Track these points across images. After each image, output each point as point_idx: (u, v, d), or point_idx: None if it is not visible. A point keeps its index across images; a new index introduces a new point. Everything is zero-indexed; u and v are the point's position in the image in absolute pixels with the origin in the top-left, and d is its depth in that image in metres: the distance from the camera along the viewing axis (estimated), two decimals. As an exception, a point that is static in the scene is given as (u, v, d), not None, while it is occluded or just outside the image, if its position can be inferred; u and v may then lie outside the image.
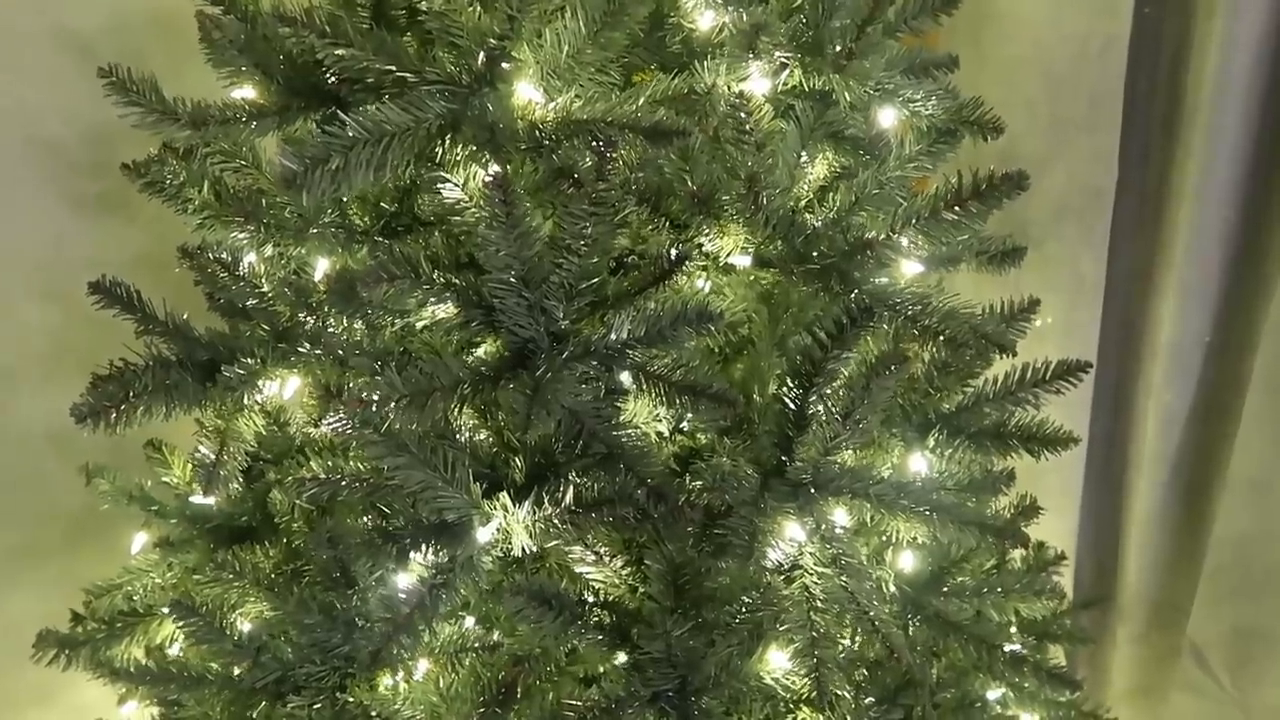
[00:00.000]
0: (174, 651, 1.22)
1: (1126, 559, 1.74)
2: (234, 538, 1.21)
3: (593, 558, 0.94)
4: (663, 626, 0.91)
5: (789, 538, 0.92)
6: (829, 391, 0.94)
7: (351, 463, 1.03)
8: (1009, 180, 0.95)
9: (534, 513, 0.93)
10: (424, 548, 0.96)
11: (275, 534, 1.17)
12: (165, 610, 1.18)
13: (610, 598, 0.95)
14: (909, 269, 1.03)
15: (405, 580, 0.98)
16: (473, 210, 0.97)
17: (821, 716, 0.93)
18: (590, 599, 0.95)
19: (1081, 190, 1.60)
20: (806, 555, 0.91)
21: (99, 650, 1.23)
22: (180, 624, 1.03)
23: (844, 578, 0.89)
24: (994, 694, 1.21)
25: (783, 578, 0.92)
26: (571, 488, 0.93)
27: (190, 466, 1.27)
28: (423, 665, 1.02)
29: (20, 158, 1.50)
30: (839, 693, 0.89)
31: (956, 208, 0.93)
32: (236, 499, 1.19)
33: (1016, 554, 1.27)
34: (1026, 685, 1.18)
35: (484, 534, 0.94)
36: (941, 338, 0.92)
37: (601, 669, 0.95)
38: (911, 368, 1.05)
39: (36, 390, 1.54)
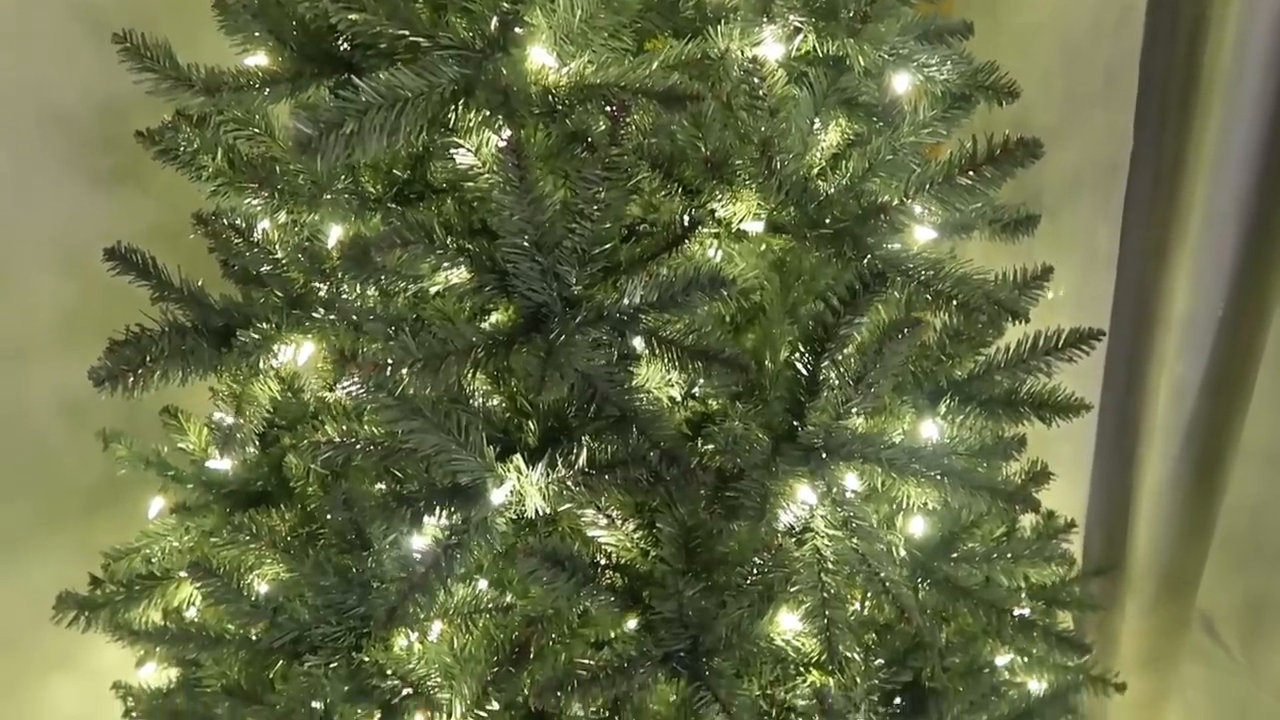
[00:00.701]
0: (191, 614, 1.24)
1: (1136, 529, 1.74)
2: (250, 502, 1.22)
3: (605, 521, 0.95)
4: (674, 588, 0.92)
5: (800, 501, 0.92)
6: (841, 357, 0.94)
7: (366, 427, 1.04)
8: (1024, 146, 0.95)
9: (547, 475, 0.94)
10: (438, 510, 0.97)
11: (290, 498, 1.18)
12: (183, 573, 1.20)
13: (622, 561, 0.96)
14: (922, 236, 1.03)
15: (419, 542, 0.99)
16: (486, 176, 0.97)
17: (830, 679, 0.94)
18: (602, 562, 0.96)
19: (1096, 163, 1.60)
20: (818, 518, 0.92)
21: (118, 612, 1.24)
22: (198, 585, 1.05)
23: (855, 540, 0.90)
24: (1002, 660, 1.22)
25: (794, 540, 0.92)
26: (584, 450, 0.93)
27: (206, 433, 1.28)
28: (436, 626, 1.04)
29: (33, 132, 1.50)
30: (849, 654, 0.90)
31: (971, 173, 0.93)
32: (252, 464, 1.21)
33: (1026, 521, 1.27)
34: (1035, 650, 1.19)
35: (497, 496, 0.95)
36: (955, 303, 0.92)
37: (613, 632, 0.96)
38: (924, 333, 1.05)
39: (52, 362, 1.55)
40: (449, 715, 0.96)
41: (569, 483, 0.93)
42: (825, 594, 0.89)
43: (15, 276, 1.52)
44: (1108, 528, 1.81)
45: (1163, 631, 1.78)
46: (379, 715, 1.00)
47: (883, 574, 0.89)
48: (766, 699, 0.94)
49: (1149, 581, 1.76)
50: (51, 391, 1.55)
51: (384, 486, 1.02)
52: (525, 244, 0.95)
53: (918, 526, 1.12)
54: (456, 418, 0.97)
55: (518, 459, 0.94)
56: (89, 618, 1.26)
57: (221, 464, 1.22)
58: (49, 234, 1.54)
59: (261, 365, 1.12)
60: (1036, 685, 1.27)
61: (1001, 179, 0.97)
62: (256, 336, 1.12)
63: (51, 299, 1.55)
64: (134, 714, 1.33)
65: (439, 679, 0.98)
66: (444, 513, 0.97)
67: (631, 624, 0.94)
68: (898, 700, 0.98)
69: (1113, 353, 1.68)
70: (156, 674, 1.38)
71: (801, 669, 0.94)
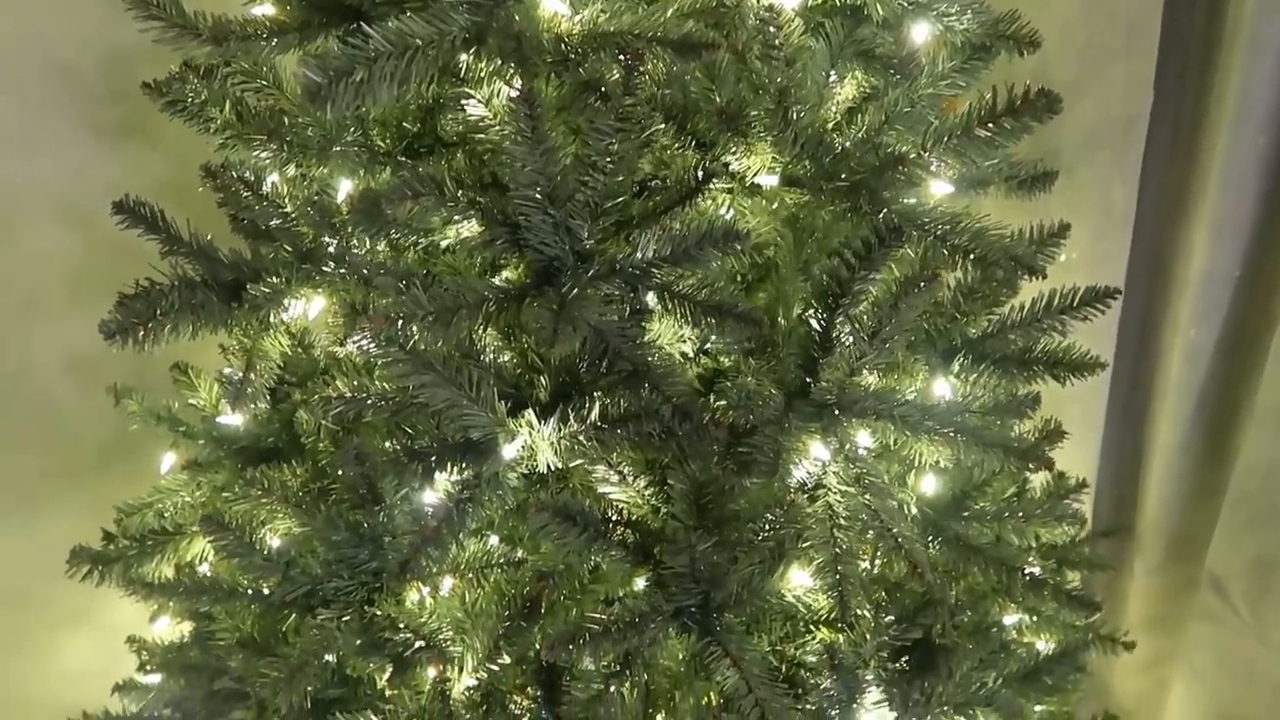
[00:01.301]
0: (204, 569, 1.25)
1: (1147, 490, 1.74)
2: (261, 458, 1.22)
3: (616, 477, 0.95)
4: (685, 544, 0.92)
5: (813, 457, 0.92)
6: (855, 313, 0.93)
7: (377, 382, 1.03)
8: (1044, 98, 0.93)
9: (559, 430, 0.93)
10: (449, 465, 0.97)
11: (301, 454, 1.18)
12: (195, 527, 1.21)
13: (633, 517, 0.96)
14: (938, 190, 1.01)
15: (431, 497, 1.00)
16: (497, 128, 0.96)
17: (840, 636, 0.94)
18: (614, 518, 0.95)
19: (1114, 118, 1.57)
20: (830, 475, 0.91)
21: (131, 567, 1.25)
22: (211, 540, 1.05)
23: (867, 497, 0.89)
24: (1011, 618, 1.23)
25: (806, 496, 0.92)
26: (596, 406, 0.93)
27: (217, 388, 1.28)
28: (448, 581, 1.04)
29: (38, 86, 1.49)
30: (860, 611, 0.90)
31: (990, 125, 0.91)
32: (263, 420, 1.21)
33: (1037, 481, 1.27)
34: (1045, 609, 1.19)
35: (509, 451, 0.95)
36: (971, 258, 0.91)
37: (624, 588, 0.96)
38: (940, 288, 1.04)
39: (60, 318, 1.55)
40: (460, 668, 0.97)
41: (580, 438, 0.93)
42: (837, 550, 0.89)
43: (22, 232, 1.52)
44: (1118, 488, 1.81)
45: (1171, 591, 1.78)
46: (391, 668, 1.00)
47: (895, 530, 0.89)
48: (776, 655, 0.94)
49: (1158, 542, 1.76)
50: (60, 347, 1.55)
51: (395, 442, 1.02)
52: (537, 197, 0.94)
53: (929, 484, 1.12)
54: (468, 373, 0.97)
55: (529, 414, 0.94)
56: (102, 572, 1.27)
57: (232, 420, 1.22)
58: (55, 189, 1.53)
59: (272, 320, 1.12)
60: (1044, 645, 1.28)
61: (1021, 132, 0.95)
62: (267, 291, 1.11)
63: (59, 254, 1.55)
64: (148, 668, 1.35)
65: (450, 633, 0.98)
66: (455, 468, 0.97)
67: (642, 580, 0.94)
68: (906, 657, 0.99)
69: (1127, 312, 1.67)
70: (170, 628, 1.39)
71: (812, 625, 0.95)
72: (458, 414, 0.95)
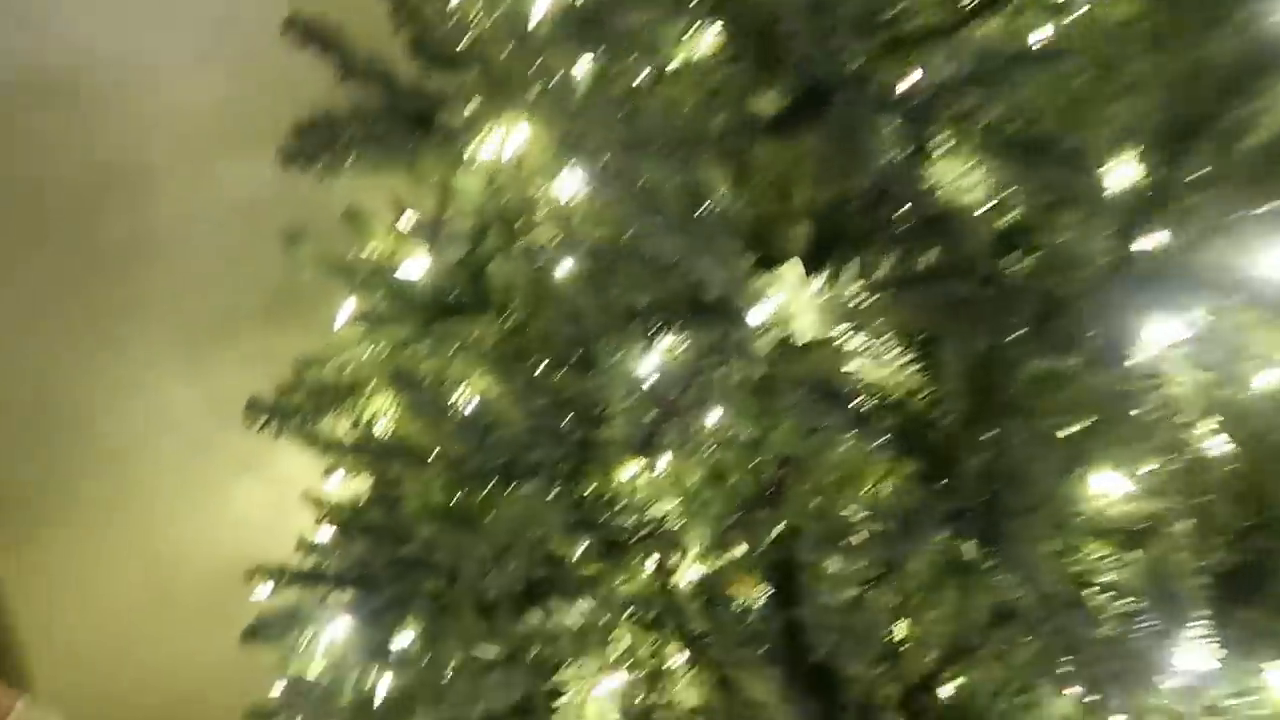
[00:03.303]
0: (381, 428, 1.16)
1: None
2: (443, 313, 1.11)
3: (884, 351, 0.79)
4: (966, 436, 0.76)
5: (1144, 338, 0.74)
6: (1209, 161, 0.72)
7: (591, 228, 0.89)
8: None
9: (820, 291, 0.77)
10: (679, 329, 0.83)
11: (489, 310, 1.06)
12: (377, 383, 1.12)
13: (900, 399, 0.81)
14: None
15: (654, 363, 0.86)
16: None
17: (1145, 554, 0.78)
18: (877, 399, 0.80)
19: None
20: (1165, 360, 0.73)
21: (307, 422, 1.18)
22: (402, 397, 0.95)
23: (1216, 388, 0.71)
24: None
25: (1133, 384, 0.75)
26: (866, 264, 0.76)
27: (394, 237, 1.17)
28: (666, 459, 0.91)
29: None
30: (1186, 525, 0.74)
31: None
32: (449, 271, 1.08)
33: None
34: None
35: (754, 315, 0.79)
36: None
37: (883, 483, 0.81)
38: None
39: (226, 159, 1.46)
40: (685, 556, 0.85)
41: (846, 302, 0.77)
42: (1171, 452, 0.72)
43: (183, 71, 1.42)
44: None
45: None
46: (602, 551, 0.90)
47: (1250, 423, 0.71)
48: (1069, 566, 0.79)
49: None
50: (232, 189, 1.46)
51: (613, 296, 0.88)
52: (799, 1, 0.76)
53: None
54: (704, 218, 0.81)
55: (783, 270, 0.78)
56: (278, 425, 1.20)
57: (413, 271, 1.11)
58: (212, 23, 1.42)
59: (464, 155, 0.98)
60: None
61: None
62: (457, 122, 0.98)
63: (224, 94, 1.45)
64: (325, 521, 1.30)
65: (671, 517, 0.86)
66: (686, 331, 0.82)
67: (909, 469, 0.79)
68: (1230, 580, 0.82)
69: None
70: (344, 484, 1.33)
71: (1114, 539, 0.79)
72: (690, 267, 0.80)
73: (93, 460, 1.48)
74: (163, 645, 1.60)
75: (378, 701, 1.02)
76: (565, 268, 0.91)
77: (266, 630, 1.15)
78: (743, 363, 0.77)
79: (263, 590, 1.25)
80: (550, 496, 0.88)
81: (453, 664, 0.92)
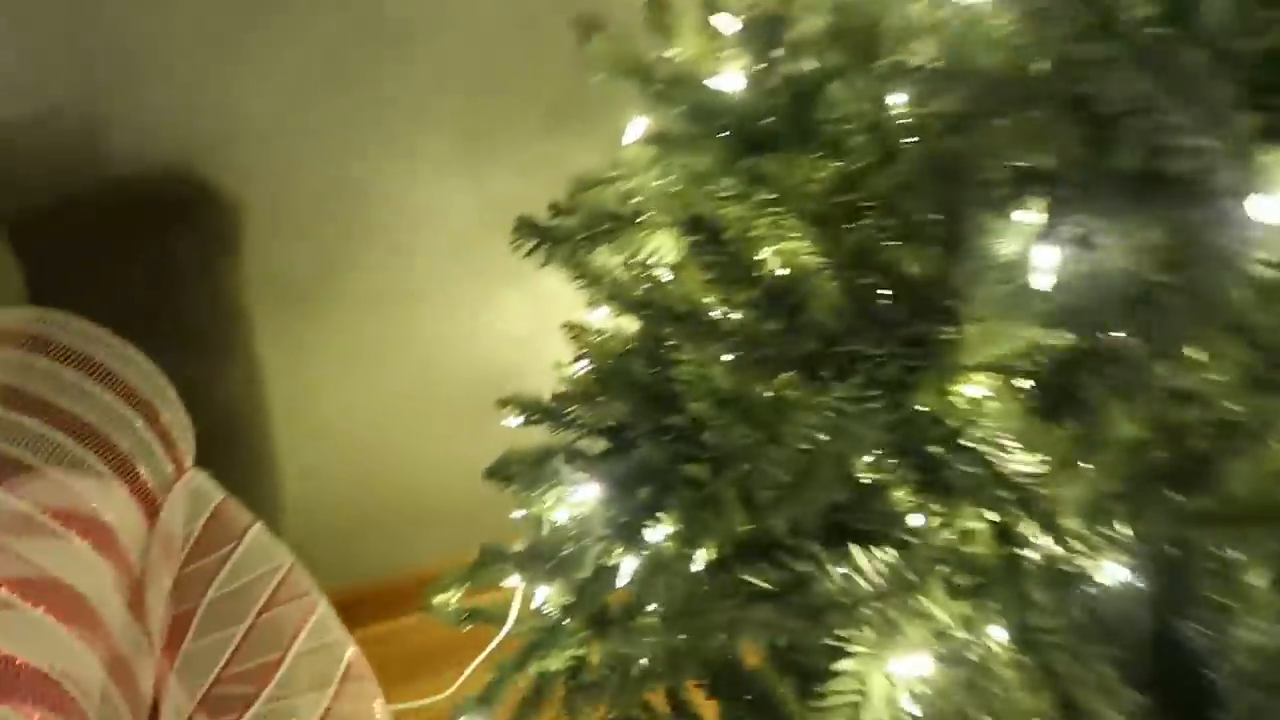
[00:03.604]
0: (662, 273, 0.99)
1: None
2: (755, 144, 0.88)
3: None
4: None
5: None
6: None
7: (984, 50, 0.63)
8: None
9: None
10: (1109, 210, 0.56)
11: (816, 147, 0.82)
12: (663, 221, 0.93)
13: None
14: None
15: (1049, 253, 0.61)
16: None
17: None
18: None
19: None
20: None
21: (578, 251, 1.02)
22: (694, 248, 0.75)
23: None
24: None
25: None
26: None
27: (704, 38, 0.95)
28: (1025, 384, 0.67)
29: None
30: None
31: None
32: (771, 90, 0.85)
33: None
34: None
35: (1258, 204, 0.52)
36: None
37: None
38: None
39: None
40: (1042, 521, 0.62)
41: None
42: None
43: None
44: None
45: None
46: (925, 489, 0.68)
47: None
48: None
49: None
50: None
51: (1001, 152, 0.62)
52: None
53: None
54: (1178, 47, 0.53)
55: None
56: (547, 250, 1.06)
57: (726, 83, 0.89)
58: None
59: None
60: None
61: None
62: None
63: None
64: (586, 357, 1.17)
65: (1030, 465, 0.63)
66: (1121, 216, 0.56)
67: None
68: None
69: None
70: (606, 320, 1.20)
71: None
72: (1158, 123, 0.53)
73: (366, 252, 1.42)
74: (411, 442, 1.60)
75: (619, 583, 0.89)
76: (939, 102, 0.66)
77: (510, 473, 1.06)
78: (1229, 274, 0.50)
79: (513, 420, 1.15)
80: (867, 405, 0.67)
81: (707, 575, 0.76)
